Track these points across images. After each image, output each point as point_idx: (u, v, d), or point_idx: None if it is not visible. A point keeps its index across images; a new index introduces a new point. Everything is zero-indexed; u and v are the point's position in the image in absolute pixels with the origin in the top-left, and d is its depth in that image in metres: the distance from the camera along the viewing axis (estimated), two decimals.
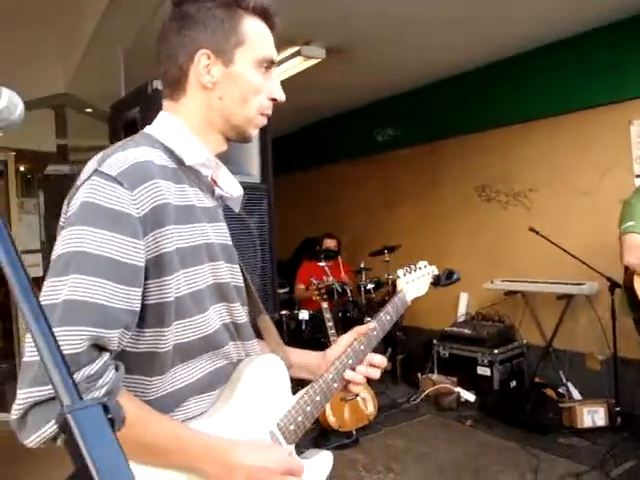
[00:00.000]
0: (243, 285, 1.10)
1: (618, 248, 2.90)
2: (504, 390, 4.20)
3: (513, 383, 4.33)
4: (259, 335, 1.17)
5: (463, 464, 3.33)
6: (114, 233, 0.82)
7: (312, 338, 4.68)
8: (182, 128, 0.99)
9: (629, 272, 2.88)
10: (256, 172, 2.39)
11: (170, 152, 0.97)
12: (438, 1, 3.36)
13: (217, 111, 0.99)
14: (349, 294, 4.89)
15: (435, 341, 4.70)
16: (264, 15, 1.00)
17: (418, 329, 5.36)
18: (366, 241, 5.71)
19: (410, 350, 5.14)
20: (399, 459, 3.46)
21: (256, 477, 0.91)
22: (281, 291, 5.48)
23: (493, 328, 4.50)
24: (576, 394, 4.07)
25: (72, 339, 0.75)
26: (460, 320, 4.93)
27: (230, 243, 1.07)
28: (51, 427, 0.71)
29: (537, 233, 3.88)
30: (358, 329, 1.21)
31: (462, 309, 5.06)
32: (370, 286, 5.01)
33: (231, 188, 1.10)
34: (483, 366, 4.29)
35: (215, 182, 1.09)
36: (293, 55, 3.88)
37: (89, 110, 4.67)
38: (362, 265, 5.13)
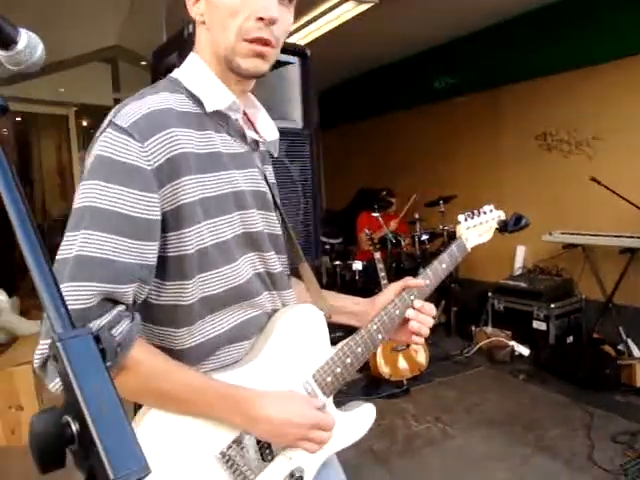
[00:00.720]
0: (280, 233, 1.06)
1: None
2: (560, 345, 4.11)
3: (570, 338, 4.23)
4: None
5: (514, 417, 3.32)
6: (125, 187, 0.81)
7: (365, 288, 4.71)
8: (204, 69, 0.95)
9: None
10: (298, 117, 2.30)
11: (194, 97, 0.93)
12: None
13: (213, 45, 0.94)
14: (403, 245, 4.86)
15: (490, 294, 4.62)
16: None
17: (473, 281, 5.29)
18: (422, 192, 5.60)
19: (465, 302, 5.09)
20: (449, 410, 3.49)
21: (280, 430, 0.90)
22: (334, 241, 5.53)
23: (550, 282, 4.37)
24: (637, 351, 3.93)
25: (81, 295, 0.76)
26: (517, 273, 4.82)
27: (264, 190, 1.02)
28: None
29: (599, 183, 3.68)
30: (408, 281, 1.15)
31: (519, 262, 4.93)
32: (425, 237, 4.95)
33: (267, 132, 1.06)
34: (539, 320, 4.21)
35: (253, 125, 1.06)
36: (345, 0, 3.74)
37: (143, 63, 4.72)
38: (416, 216, 5.05)
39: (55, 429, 0.38)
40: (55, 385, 0.75)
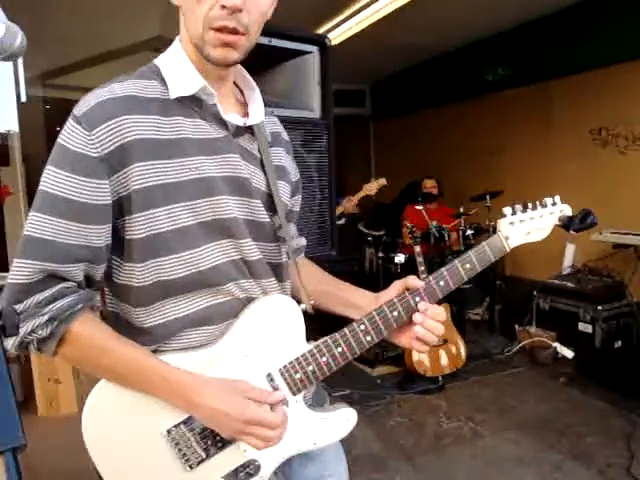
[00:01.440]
0: (265, 220, 1.03)
1: None
2: (606, 349, 3.94)
3: (618, 343, 4.03)
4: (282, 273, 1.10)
5: (548, 422, 3.22)
6: (71, 174, 0.85)
7: None
8: (180, 55, 0.96)
9: None
10: (317, 107, 2.26)
11: (165, 83, 0.94)
12: None
13: (188, 31, 0.93)
14: (447, 238, 4.78)
15: (535, 292, 4.48)
16: None
17: (520, 279, 5.15)
18: (469, 186, 5.47)
19: (510, 300, 4.95)
20: (482, 409, 3.43)
21: (218, 420, 0.90)
22: (377, 233, 5.50)
23: (599, 283, 4.19)
24: None
25: (23, 270, 0.85)
26: (565, 272, 4.64)
27: (244, 175, 0.99)
28: None
29: None
30: (409, 280, 1.05)
31: (568, 261, 4.74)
32: (469, 232, 4.84)
33: (253, 115, 1.03)
34: (585, 322, 4.04)
35: (246, 107, 1.04)
36: None
37: None
38: (461, 210, 4.95)
39: None
40: None
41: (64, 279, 0.88)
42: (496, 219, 1.12)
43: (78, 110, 0.87)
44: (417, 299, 1.03)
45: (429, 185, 5.30)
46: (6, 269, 0.90)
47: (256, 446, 0.93)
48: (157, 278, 0.93)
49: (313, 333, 1.05)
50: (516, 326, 4.53)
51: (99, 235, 0.89)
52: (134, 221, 0.89)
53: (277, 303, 1.02)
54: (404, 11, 4.08)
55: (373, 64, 6.43)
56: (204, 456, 0.95)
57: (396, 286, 1.06)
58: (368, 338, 1.02)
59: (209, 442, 0.95)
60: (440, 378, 3.78)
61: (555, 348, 4.11)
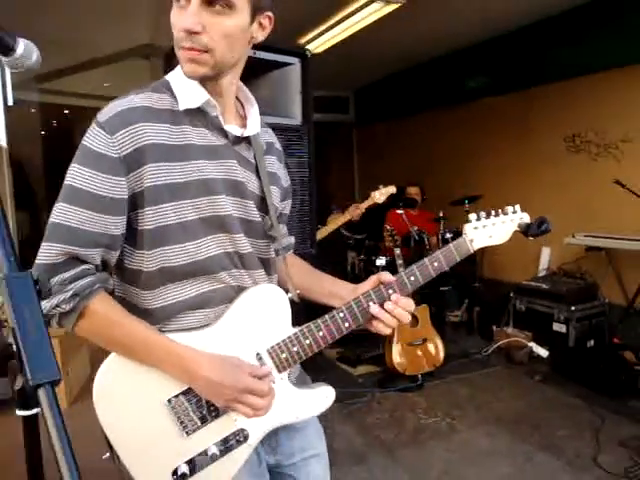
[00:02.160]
0: (256, 219, 1.15)
1: None
2: (579, 348, 4.09)
3: (591, 342, 4.19)
4: (270, 266, 1.22)
5: (523, 416, 3.35)
6: (95, 171, 0.98)
7: None
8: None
9: None
10: (298, 115, 2.44)
11: (175, 96, 1.07)
12: None
13: None
14: (427, 242, 4.90)
15: (512, 294, 4.63)
16: None
17: (498, 282, 5.30)
18: (449, 190, 5.62)
19: (488, 302, 5.09)
20: (459, 406, 3.54)
21: (215, 389, 1.02)
22: (358, 237, 5.62)
23: (573, 284, 4.35)
24: None
25: (51, 252, 0.97)
26: (541, 275, 4.80)
27: (241, 179, 1.12)
28: None
29: (623, 186, 3.66)
30: (382, 275, 1.17)
31: (543, 264, 4.91)
32: (449, 235, 4.97)
33: (252, 126, 1.16)
34: (559, 322, 4.19)
35: (245, 119, 1.17)
36: (372, 0, 3.81)
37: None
38: (441, 214, 5.09)
39: (2, 347, 0.51)
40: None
41: (84, 262, 1.00)
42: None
43: (101, 117, 1.00)
44: (390, 291, 1.16)
45: (413, 192, 5.44)
46: None
47: (246, 414, 1.05)
48: (162, 264, 1.05)
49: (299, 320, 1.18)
50: (494, 327, 4.67)
51: (116, 225, 1.01)
52: (145, 214, 1.02)
53: (267, 292, 1.15)
54: (387, 21, 4.21)
55: (357, 71, 6.58)
56: (199, 424, 1.06)
57: (372, 280, 1.19)
58: (346, 324, 1.15)
59: (204, 411, 1.06)
60: (419, 377, 3.88)
61: (531, 348, 4.25)
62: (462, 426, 3.27)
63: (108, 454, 1.04)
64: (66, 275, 0.97)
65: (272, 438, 1.19)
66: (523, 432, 3.15)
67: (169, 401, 1.04)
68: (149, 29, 3.87)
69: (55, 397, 0.47)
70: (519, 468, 2.79)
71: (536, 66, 4.86)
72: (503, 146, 5.37)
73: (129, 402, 1.04)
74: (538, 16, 4.57)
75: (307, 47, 2.30)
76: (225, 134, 1.11)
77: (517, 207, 1.28)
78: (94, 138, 1.00)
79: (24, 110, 5.66)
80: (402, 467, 2.85)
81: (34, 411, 0.55)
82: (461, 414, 3.42)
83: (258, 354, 1.11)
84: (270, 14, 1.09)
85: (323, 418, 1.28)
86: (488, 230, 1.24)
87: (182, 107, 1.06)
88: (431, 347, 3.92)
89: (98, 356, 1.10)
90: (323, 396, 1.19)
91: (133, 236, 1.05)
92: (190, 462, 1.05)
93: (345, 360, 4.37)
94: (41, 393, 0.47)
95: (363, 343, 4.57)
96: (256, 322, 1.12)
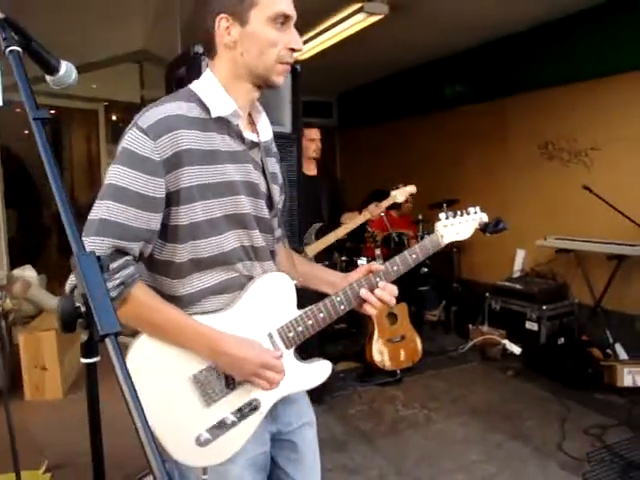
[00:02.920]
0: (267, 216, 1.31)
1: None
2: (550, 345, 4.30)
3: (561, 340, 4.39)
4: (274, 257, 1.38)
5: (495, 408, 3.55)
6: (138, 172, 1.10)
7: None
8: (214, 83, 1.22)
9: None
10: (287, 122, 2.62)
11: (203, 105, 1.20)
12: None
13: (241, 65, 1.20)
14: (406, 244, 5.09)
15: (487, 294, 4.83)
16: None
17: (475, 282, 5.51)
18: (428, 194, 5.81)
19: (465, 302, 5.31)
20: (436, 399, 3.73)
21: (237, 364, 1.18)
22: (340, 238, 5.78)
23: (544, 285, 4.57)
24: (623, 355, 4.09)
25: (102, 245, 1.08)
26: (515, 276, 5.02)
27: (256, 181, 1.27)
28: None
29: (590, 191, 3.87)
30: (372, 265, 1.37)
31: (518, 265, 5.13)
32: (426, 237, 5.14)
33: (264, 133, 1.33)
34: (531, 321, 4.40)
35: (255, 127, 1.33)
36: (356, 11, 3.98)
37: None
38: (420, 217, 5.30)
39: (72, 308, 0.66)
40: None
41: (127, 254, 1.13)
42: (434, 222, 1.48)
43: (143, 123, 1.12)
44: (377, 279, 1.35)
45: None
46: None
47: (263, 387, 1.20)
48: (192, 256, 1.19)
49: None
50: (470, 325, 4.87)
51: (156, 221, 1.15)
52: (179, 212, 1.15)
53: (276, 279, 1.31)
54: (370, 31, 4.38)
55: (340, 78, 6.76)
56: (219, 395, 1.22)
57: (362, 269, 1.38)
58: (342, 307, 1.33)
59: (224, 384, 1.22)
60: (398, 372, 4.06)
61: (504, 345, 4.46)
62: (438, 417, 3.45)
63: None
64: (114, 265, 1.08)
65: (273, 410, 1.34)
66: (495, 422, 3.34)
67: (194, 376, 1.19)
68: (142, 34, 3.98)
69: (118, 344, 0.62)
70: (490, 455, 2.98)
71: (512, 76, 5.07)
72: (480, 152, 5.58)
73: (158, 376, 1.18)
74: (513, 29, 4.79)
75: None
76: (243, 140, 1.26)
77: (477, 208, 1.49)
78: (138, 142, 1.11)
79: (10, 111, 5.72)
80: (381, 454, 3.02)
81: (95, 359, 0.69)
82: (437, 406, 3.61)
83: (270, 334, 1.27)
84: None
85: None
86: (455, 228, 1.45)
87: (214, 114, 1.19)
88: (410, 343, 4.10)
89: None
90: (323, 369, 1.36)
91: (164, 231, 1.17)
92: (210, 429, 1.21)
93: (327, 356, 4.49)
94: (108, 341, 0.61)
95: (344, 340, 4.76)
96: (267, 306, 1.27)
